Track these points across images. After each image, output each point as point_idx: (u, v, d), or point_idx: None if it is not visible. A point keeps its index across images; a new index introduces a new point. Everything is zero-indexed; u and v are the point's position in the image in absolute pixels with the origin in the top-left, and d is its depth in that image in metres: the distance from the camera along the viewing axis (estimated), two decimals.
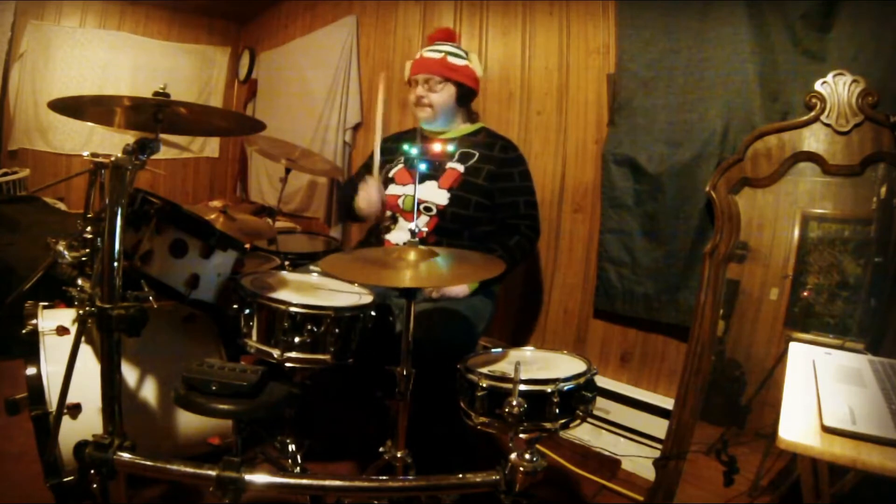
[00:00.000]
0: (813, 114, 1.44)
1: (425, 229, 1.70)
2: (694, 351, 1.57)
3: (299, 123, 3.56)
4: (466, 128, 1.86)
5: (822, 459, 0.81)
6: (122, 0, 4.11)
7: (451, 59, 1.77)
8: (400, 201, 1.75)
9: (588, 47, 2.06)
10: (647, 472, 1.68)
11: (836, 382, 0.99)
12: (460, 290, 1.62)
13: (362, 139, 3.18)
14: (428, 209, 1.70)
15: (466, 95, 1.83)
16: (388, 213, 1.78)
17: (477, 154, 1.75)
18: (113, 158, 0.98)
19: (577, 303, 2.10)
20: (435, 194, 1.71)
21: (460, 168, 1.73)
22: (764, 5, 1.59)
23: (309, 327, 1.23)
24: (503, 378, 1.08)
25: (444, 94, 1.77)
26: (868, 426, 0.78)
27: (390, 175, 1.82)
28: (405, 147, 1.64)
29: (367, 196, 1.70)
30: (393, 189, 1.79)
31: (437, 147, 1.78)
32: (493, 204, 1.72)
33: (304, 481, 1.00)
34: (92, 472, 0.88)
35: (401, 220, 1.76)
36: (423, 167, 1.65)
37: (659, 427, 1.72)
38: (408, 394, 1.18)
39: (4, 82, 3.67)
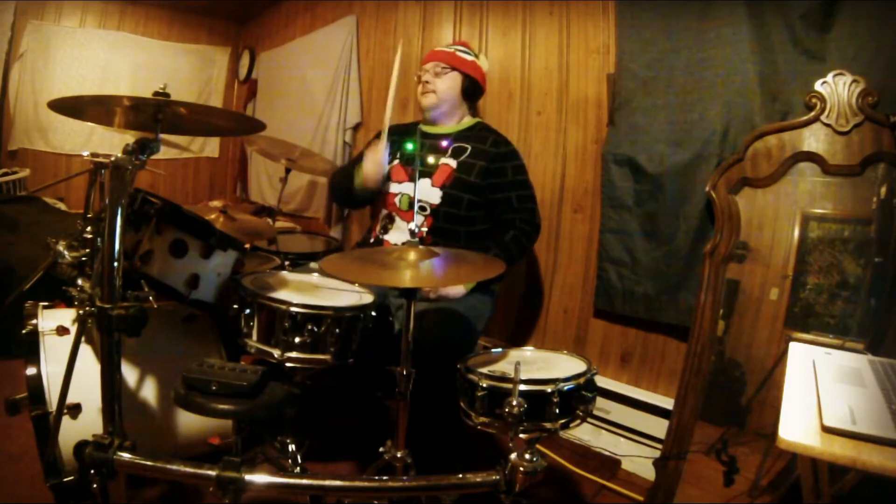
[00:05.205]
0: (813, 114, 1.44)
1: (424, 229, 1.69)
2: (694, 351, 1.57)
3: (299, 123, 3.56)
4: (463, 123, 1.86)
5: (822, 459, 0.81)
6: (122, 0, 4.11)
7: (459, 53, 1.82)
8: (396, 200, 1.74)
9: (588, 47, 2.06)
10: (647, 472, 1.68)
11: (836, 382, 0.99)
12: (457, 290, 1.61)
13: (362, 139, 3.18)
14: (423, 208, 1.69)
15: (472, 89, 1.83)
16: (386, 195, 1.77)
17: (469, 148, 1.74)
18: (113, 158, 0.98)
19: (577, 303, 2.10)
20: (428, 193, 1.69)
21: (453, 164, 1.72)
22: (764, 5, 1.59)
23: (309, 327, 1.23)
24: (503, 378, 1.08)
25: (448, 82, 1.78)
26: (868, 426, 0.78)
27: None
28: (403, 143, 1.64)
29: (374, 157, 1.68)
30: (389, 187, 1.77)
31: (432, 143, 1.77)
32: (486, 201, 1.71)
33: (304, 481, 1.00)
34: (92, 472, 0.88)
35: (398, 219, 1.75)
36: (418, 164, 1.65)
37: (659, 427, 1.72)
38: (408, 394, 1.18)
39: (4, 82, 3.67)
